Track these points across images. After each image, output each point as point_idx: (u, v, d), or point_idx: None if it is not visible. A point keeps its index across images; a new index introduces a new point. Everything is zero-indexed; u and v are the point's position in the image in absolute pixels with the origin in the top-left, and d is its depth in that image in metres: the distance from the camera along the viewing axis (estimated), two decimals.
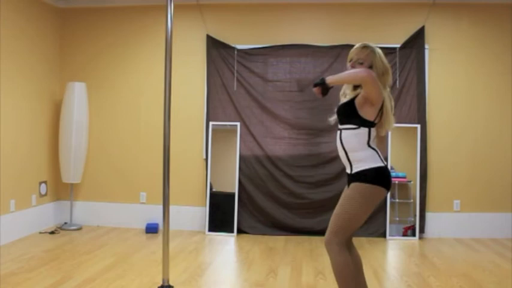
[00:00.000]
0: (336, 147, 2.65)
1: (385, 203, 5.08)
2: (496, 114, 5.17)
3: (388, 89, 2.60)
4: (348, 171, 2.58)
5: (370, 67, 2.54)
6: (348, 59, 2.63)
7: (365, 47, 2.59)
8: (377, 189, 2.47)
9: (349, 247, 2.61)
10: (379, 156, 2.54)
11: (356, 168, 2.51)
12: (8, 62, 4.69)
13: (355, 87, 2.63)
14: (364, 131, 2.51)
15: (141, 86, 5.49)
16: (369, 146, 2.52)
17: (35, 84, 5.14)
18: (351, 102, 2.56)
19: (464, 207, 5.17)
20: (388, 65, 2.60)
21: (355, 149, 2.52)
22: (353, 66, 2.58)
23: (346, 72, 2.51)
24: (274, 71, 5.30)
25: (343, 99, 2.66)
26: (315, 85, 2.54)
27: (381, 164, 2.51)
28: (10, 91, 4.73)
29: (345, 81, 2.56)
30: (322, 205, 5.14)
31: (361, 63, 2.56)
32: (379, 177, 2.47)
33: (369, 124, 2.51)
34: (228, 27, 5.36)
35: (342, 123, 2.60)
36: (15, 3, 4.79)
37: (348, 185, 2.61)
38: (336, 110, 2.69)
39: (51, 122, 5.43)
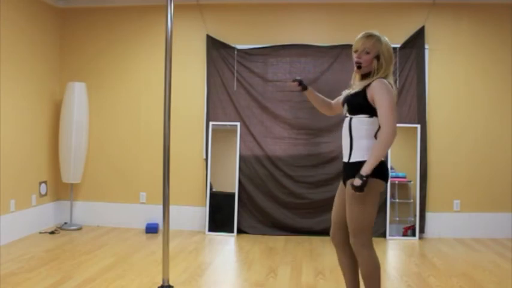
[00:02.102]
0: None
1: (385, 203, 5.08)
2: (496, 114, 5.17)
3: (392, 77, 2.57)
4: (345, 159, 2.53)
5: (377, 56, 2.49)
6: (354, 49, 2.55)
7: (370, 35, 2.51)
8: (376, 182, 2.44)
9: (348, 246, 2.61)
10: None
11: (355, 158, 2.47)
12: (8, 62, 4.69)
13: (364, 77, 2.57)
14: (376, 120, 2.47)
15: (141, 86, 5.49)
16: (375, 137, 2.48)
17: (35, 84, 5.14)
18: (362, 93, 2.49)
19: (464, 207, 5.18)
20: (392, 53, 2.55)
21: (362, 136, 2.47)
22: (359, 57, 2.51)
23: (376, 149, 2.36)
24: (274, 71, 5.30)
25: (351, 90, 2.59)
26: (358, 188, 2.36)
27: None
28: (10, 91, 4.73)
29: (382, 156, 2.38)
30: (322, 205, 5.14)
31: (368, 53, 2.49)
32: (377, 169, 2.42)
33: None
34: (228, 27, 5.36)
35: (352, 113, 2.53)
36: (15, 3, 4.79)
37: (344, 178, 2.56)
38: (343, 99, 2.63)
39: (51, 122, 5.43)
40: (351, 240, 2.49)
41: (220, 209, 5.24)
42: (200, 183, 5.39)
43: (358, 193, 2.41)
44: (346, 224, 2.57)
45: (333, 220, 2.67)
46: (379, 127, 2.47)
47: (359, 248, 2.46)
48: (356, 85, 2.59)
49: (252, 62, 5.29)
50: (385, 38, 2.55)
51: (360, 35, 2.56)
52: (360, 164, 2.44)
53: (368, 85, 2.48)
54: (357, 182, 2.37)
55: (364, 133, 2.48)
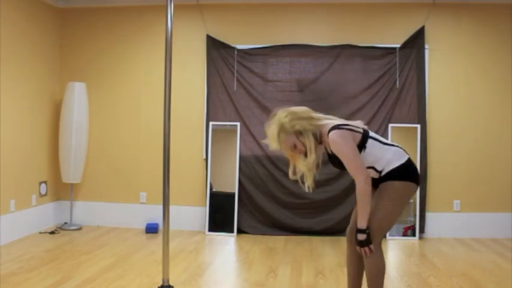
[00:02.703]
0: None
1: None
2: (496, 114, 5.16)
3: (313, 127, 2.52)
4: (376, 176, 2.52)
5: (296, 134, 2.49)
6: (282, 150, 2.58)
7: (276, 134, 2.52)
8: (407, 185, 2.45)
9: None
10: (402, 149, 2.52)
11: (385, 171, 2.47)
12: (8, 62, 4.69)
13: (320, 142, 2.59)
14: (370, 143, 2.48)
15: (141, 86, 5.49)
16: (387, 144, 2.50)
17: (35, 84, 5.14)
18: (333, 155, 2.53)
19: (464, 207, 5.17)
20: (298, 115, 2.51)
21: (378, 158, 2.47)
22: (299, 152, 2.55)
23: (360, 204, 2.38)
24: (274, 71, 5.30)
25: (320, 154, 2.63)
26: (364, 242, 2.41)
27: (405, 159, 2.48)
28: (10, 91, 4.72)
29: (369, 206, 2.40)
30: (322, 205, 5.14)
31: (294, 145, 2.52)
32: (406, 173, 2.45)
33: (364, 139, 2.47)
34: (228, 27, 5.36)
35: (345, 169, 2.53)
36: (15, 3, 4.79)
37: (377, 183, 2.55)
38: (334, 166, 2.66)
39: (51, 122, 5.43)
40: None
41: (220, 209, 5.24)
42: (200, 183, 5.39)
43: (390, 193, 2.42)
44: None
45: (355, 219, 2.66)
46: (379, 140, 2.50)
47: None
48: (320, 151, 2.63)
49: (252, 62, 5.29)
50: (280, 116, 2.55)
51: (267, 137, 2.57)
52: (392, 171, 2.44)
53: (329, 148, 2.51)
54: (361, 236, 2.39)
55: (377, 155, 2.46)
